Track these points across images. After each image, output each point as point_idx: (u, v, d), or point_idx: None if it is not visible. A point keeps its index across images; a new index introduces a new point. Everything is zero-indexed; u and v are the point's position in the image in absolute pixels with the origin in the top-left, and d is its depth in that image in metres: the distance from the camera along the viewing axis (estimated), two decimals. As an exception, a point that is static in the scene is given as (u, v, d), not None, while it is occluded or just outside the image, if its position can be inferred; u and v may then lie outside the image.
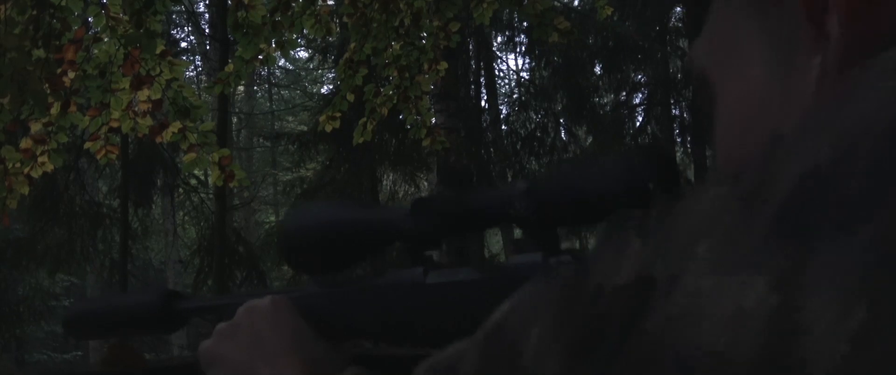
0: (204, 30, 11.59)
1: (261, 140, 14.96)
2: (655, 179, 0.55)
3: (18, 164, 3.58)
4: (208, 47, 11.21)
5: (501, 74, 12.17)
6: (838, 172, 0.27)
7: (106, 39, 3.66)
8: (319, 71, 15.41)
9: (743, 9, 0.42)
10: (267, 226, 12.54)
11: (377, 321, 0.69)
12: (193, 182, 9.21)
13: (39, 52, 3.33)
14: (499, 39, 10.99)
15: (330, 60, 10.66)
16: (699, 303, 0.27)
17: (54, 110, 3.52)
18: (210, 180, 9.50)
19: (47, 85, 3.28)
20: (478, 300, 0.60)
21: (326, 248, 0.71)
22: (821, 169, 0.27)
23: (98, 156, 3.80)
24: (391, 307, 0.68)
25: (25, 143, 3.63)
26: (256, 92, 16.52)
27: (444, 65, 5.34)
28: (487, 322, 0.33)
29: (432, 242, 0.68)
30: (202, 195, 9.60)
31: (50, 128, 3.62)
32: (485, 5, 4.99)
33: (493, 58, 10.73)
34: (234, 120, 13.18)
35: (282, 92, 16.99)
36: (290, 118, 16.18)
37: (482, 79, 10.03)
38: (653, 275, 0.29)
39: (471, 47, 9.59)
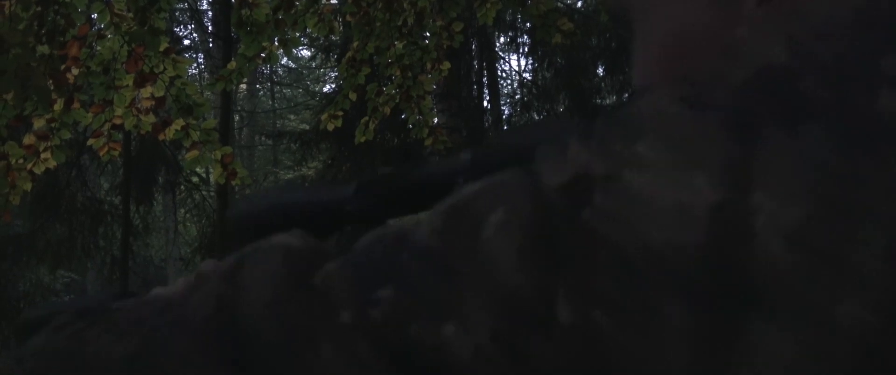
0: (207, 27, 11.59)
1: (263, 138, 14.96)
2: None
3: (21, 160, 3.58)
4: (211, 45, 11.21)
5: (504, 75, 12.17)
6: (791, 71, 0.27)
7: (110, 36, 3.66)
8: (321, 69, 15.42)
9: None
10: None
11: None
12: (195, 179, 9.22)
13: (43, 49, 3.33)
14: (502, 40, 10.99)
15: (332, 59, 10.66)
16: (638, 199, 0.27)
17: (58, 106, 3.52)
18: (211, 178, 9.50)
19: (51, 81, 3.28)
20: None
21: (272, 232, 0.71)
22: (774, 67, 0.27)
23: (101, 153, 3.81)
24: None
25: (28, 139, 3.63)
26: (259, 90, 16.52)
27: (446, 64, 5.34)
28: (450, 200, 0.33)
29: (379, 221, 0.66)
30: (204, 193, 9.60)
31: (53, 125, 3.62)
32: (488, 5, 4.99)
33: (496, 58, 10.73)
34: (236, 118, 13.18)
35: (284, 90, 16.99)
36: (292, 116, 16.18)
37: (485, 80, 10.03)
38: (590, 174, 0.28)
39: (474, 47, 9.59)
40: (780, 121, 0.26)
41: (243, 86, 11.81)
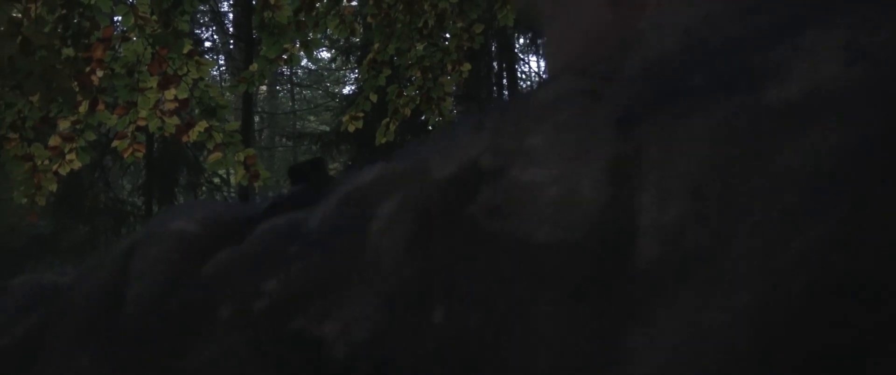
0: (228, 29, 11.66)
1: (283, 139, 15.03)
2: None
3: (47, 161, 3.62)
4: (232, 46, 11.27)
5: (524, 76, 12.15)
6: (682, 63, 0.26)
7: (134, 38, 3.69)
8: (341, 71, 15.47)
9: None
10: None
11: None
12: (216, 180, 9.28)
13: (68, 51, 3.36)
14: (521, 41, 10.98)
15: (352, 61, 10.69)
16: (525, 195, 0.26)
17: (82, 108, 3.55)
18: (232, 179, 9.56)
19: (76, 83, 3.31)
20: None
21: None
22: (665, 59, 0.26)
23: (125, 155, 3.84)
24: None
25: (54, 141, 3.66)
26: (279, 91, 16.60)
27: (467, 66, 5.34)
28: (345, 186, 0.31)
29: None
30: (225, 193, 9.66)
31: (78, 126, 3.66)
32: (508, 7, 4.99)
33: (516, 59, 10.72)
34: (256, 119, 13.24)
35: (304, 92, 17.06)
36: (312, 118, 16.24)
37: (504, 81, 10.02)
38: (478, 166, 0.27)
39: (493, 48, 9.58)
40: (668, 115, 0.25)
41: (263, 87, 11.86)
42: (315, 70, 17.02)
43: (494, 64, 9.82)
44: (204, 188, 9.67)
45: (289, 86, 16.47)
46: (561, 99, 0.27)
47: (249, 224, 0.70)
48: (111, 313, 0.33)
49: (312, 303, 0.29)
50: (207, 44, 12.47)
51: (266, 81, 4.65)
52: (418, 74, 5.19)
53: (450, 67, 5.25)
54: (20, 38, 3.10)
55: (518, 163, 0.26)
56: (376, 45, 5.05)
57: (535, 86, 0.30)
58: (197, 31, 11.33)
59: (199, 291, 0.32)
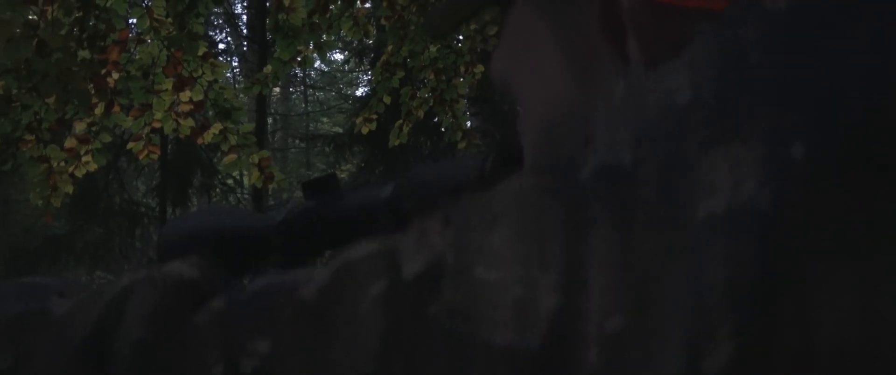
0: (242, 31, 11.70)
1: (296, 141, 15.07)
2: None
3: (62, 163, 3.64)
4: (245, 48, 11.31)
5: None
6: (630, 171, 0.26)
7: (149, 41, 3.70)
8: (354, 73, 15.49)
9: (539, 19, 0.41)
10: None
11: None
12: (230, 182, 9.31)
13: (84, 53, 3.38)
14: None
15: (365, 62, 10.71)
16: (484, 296, 0.27)
17: (98, 110, 3.57)
18: (246, 181, 9.59)
19: (91, 85, 3.32)
20: None
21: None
22: (617, 167, 0.27)
23: (140, 157, 3.85)
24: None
25: (69, 143, 3.68)
26: (292, 93, 16.65)
27: (480, 68, 5.34)
28: (342, 257, 0.32)
29: (303, 257, 0.67)
30: (238, 195, 9.69)
31: (93, 128, 3.67)
32: (523, 9, 4.98)
33: (529, 61, 10.70)
34: (270, 121, 13.28)
35: (317, 93, 17.11)
36: (325, 119, 16.28)
37: None
38: (442, 265, 0.28)
39: (506, 50, 9.58)
40: (616, 224, 0.25)
41: (277, 89, 11.90)
42: (328, 72, 17.06)
43: (507, 66, 9.82)
44: (218, 189, 9.71)
45: (302, 87, 16.52)
46: (522, 196, 0.28)
47: (260, 246, 0.69)
48: (104, 354, 0.33)
49: (300, 370, 0.30)
50: (221, 46, 12.52)
51: (279, 83, 4.66)
52: (432, 76, 5.19)
53: (463, 69, 5.25)
54: (36, 40, 3.12)
55: (480, 263, 0.27)
56: (390, 47, 5.06)
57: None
58: (211, 33, 11.38)
59: (190, 342, 0.32)
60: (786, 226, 0.23)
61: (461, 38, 5.28)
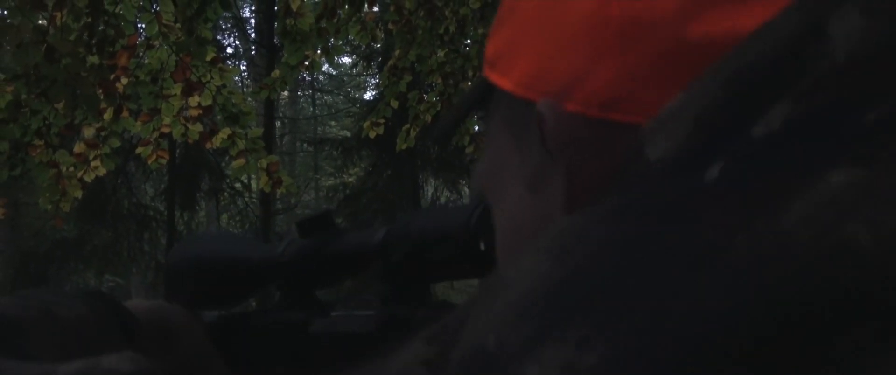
0: (250, 35, 11.73)
1: (304, 145, 15.09)
2: (487, 238, 0.55)
3: (72, 168, 3.65)
4: (254, 53, 11.34)
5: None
6: (483, 366, 0.26)
7: (158, 46, 3.72)
8: (362, 76, 15.51)
9: (503, 130, 0.43)
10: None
11: (260, 359, 0.69)
12: (238, 186, 9.33)
13: (93, 58, 3.39)
14: (542, 46, 10.96)
15: (373, 66, 10.72)
16: None
17: (107, 115, 3.58)
18: (253, 185, 9.61)
19: (100, 90, 3.34)
20: (354, 352, 0.62)
21: (200, 285, 0.72)
22: (474, 358, 0.26)
23: (149, 161, 3.86)
24: (275, 349, 0.68)
25: (79, 147, 3.69)
26: (300, 97, 16.68)
27: (488, 72, 5.34)
28: None
29: (306, 288, 0.68)
30: (246, 199, 9.71)
31: (102, 133, 3.69)
32: (530, 13, 4.98)
33: (537, 65, 10.69)
34: (278, 124, 13.31)
35: (325, 97, 17.14)
36: (333, 123, 16.30)
37: (476, 84, 10.00)
38: None
39: (514, 54, 9.57)
40: None
41: (285, 93, 11.93)
42: (336, 75, 17.09)
43: (515, 69, 9.80)
44: (226, 193, 9.73)
45: (310, 91, 16.55)
46: (411, 368, 0.29)
47: (263, 277, 0.70)
48: None
49: None
50: (229, 50, 12.56)
51: (288, 87, 4.67)
52: (439, 80, 5.19)
53: (471, 73, 5.24)
54: (45, 45, 3.13)
55: None
56: (397, 52, 5.06)
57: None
58: (219, 37, 11.41)
59: None
60: None
61: (469, 42, 5.28)
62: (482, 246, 0.55)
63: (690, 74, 0.33)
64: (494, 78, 0.43)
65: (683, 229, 0.26)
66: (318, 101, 17.03)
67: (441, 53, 5.13)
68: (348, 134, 11.48)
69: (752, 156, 0.28)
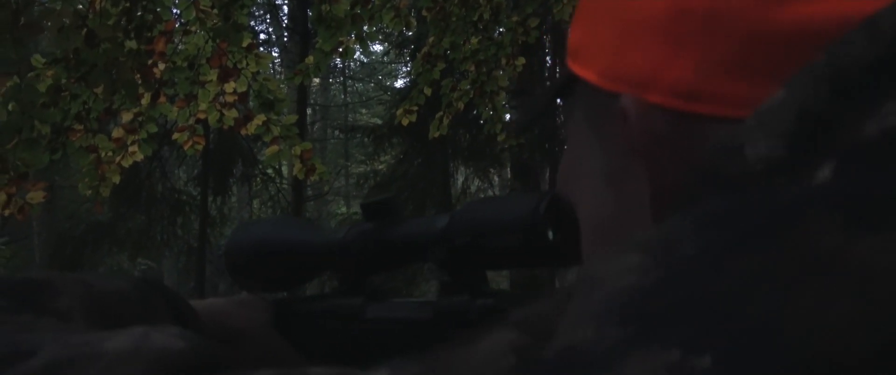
0: (283, 22, 11.78)
1: (336, 132, 15.15)
2: (555, 228, 0.54)
3: (110, 153, 3.69)
4: (286, 39, 11.38)
5: (577, 70, 12.04)
6: (582, 359, 0.25)
7: (195, 32, 3.74)
8: (394, 64, 15.53)
9: (583, 124, 0.43)
10: (338, 217, 12.71)
11: (317, 344, 0.69)
12: (270, 172, 9.39)
13: (131, 44, 3.42)
14: (575, 35, 10.87)
15: (405, 54, 10.72)
16: None
17: (145, 100, 3.62)
18: (285, 171, 9.66)
19: (139, 75, 3.36)
20: (411, 338, 0.62)
21: (262, 268, 0.72)
22: (574, 350, 0.26)
23: (185, 147, 3.89)
24: (330, 334, 0.68)
25: (117, 133, 3.73)
26: (332, 84, 16.74)
27: (521, 60, 5.31)
28: None
29: (366, 272, 0.68)
30: (278, 185, 9.77)
31: (140, 118, 3.72)
32: (564, 1, 4.94)
33: (569, 54, 10.61)
34: (309, 111, 13.37)
35: (356, 85, 17.18)
36: (364, 110, 16.34)
37: (558, 76, 9.94)
38: None
39: (547, 43, 9.51)
40: None
41: (316, 80, 11.98)
42: (367, 63, 17.12)
43: (548, 58, 9.74)
44: (258, 179, 9.80)
45: (341, 78, 16.60)
46: (500, 356, 0.28)
47: (320, 263, 0.69)
48: None
49: None
50: (262, 36, 12.61)
51: (321, 74, 4.69)
52: (472, 68, 5.17)
53: (504, 61, 5.22)
54: (85, 30, 3.16)
55: None
56: (431, 39, 5.05)
57: None
58: (252, 23, 11.46)
59: None
60: None
61: (502, 30, 5.26)
62: (550, 236, 0.54)
63: (779, 63, 0.32)
64: (576, 68, 0.42)
65: (798, 234, 0.25)
66: (349, 89, 17.07)
67: (475, 41, 5.11)
68: (379, 121, 11.50)
69: (865, 156, 0.26)
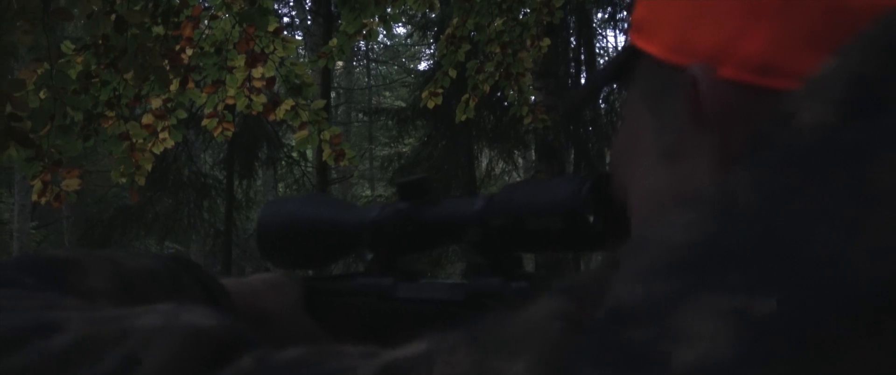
0: (306, 5, 11.78)
1: (360, 115, 15.17)
2: (596, 211, 0.53)
3: (142, 140, 3.71)
4: (310, 22, 11.38)
5: (602, 51, 11.96)
6: (632, 318, 0.25)
7: (221, 17, 3.74)
8: (417, 47, 15.50)
9: (640, 100, 0.43)
10: (363, 200, 12.74)
11: (345, 323, 0.68)
12: (295, 155, 9.42)
13: (159, 29, 3.43)
14: (600, 15, 10.80)
15: (429, 36, 10.69)
16: None
17: (173, 86, 3.63)
18: (309, 154, 9.69)
19: (167, 61, 3.38)
20: (442, 319, 0.60)
21: (293, 245, 0.71)
22: (623, 310, 0.26)
23: (215, 134, 3.90)
24: (360, 314, 0.67)
25: (147, 119, 3.75)
26: (355, 67, 16.74)
27: (546, 41, 5.28)
28: (389, 357, 0.31)
29: (399, 252, 0.67)
30: (303, 168, 9.81)
31: (169, 104, 3.74)
32: (590, -19, 4.90)
33: (594, 34, 10.54)
34: (333, 95, 13.39)
35: (379, 67, 17.17)
36: (387, 93, 16.34)
37: (582, 56, 9.87)
38: None
39: (572, 24, 9.44)
40: (610, 369, 0.24)
41: (340, 63, 11.98)
42: (391, 46, 17.10)
43: (572, 39, 9.67)
44: (283, 163, 9.84)
45: (365, 61, 16.59)
46: (547, 322, 0.28)
47: (351, 241, 0.69)
48: None
49: None
50: (286, 20, 12.62)
51: (345, 56, 4.69)
52: (497, 50, 5.14)
53: (529, 43, 5.19)
54: (114, 16, 3.18)
55: None
56: (455, 20, 5.02)
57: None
58: (275, 6, 11.46)
59: None
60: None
61: (526, 10, 5.22)
62: (591, 219, 0.54)
63: (850, 38, 0.32)
64: (640, 42, 0.42)
65: (859, 172, 0.25)
66: (372, 72, 17.07)
67: (499, 22, 5.08)
68: (403, 104, 11.49)
69: None
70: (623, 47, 0.45)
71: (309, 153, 9.61)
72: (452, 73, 5.06)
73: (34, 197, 3.23)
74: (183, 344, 0.33)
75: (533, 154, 9.43)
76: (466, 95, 5.12)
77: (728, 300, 0.23)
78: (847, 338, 0.22)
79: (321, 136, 3.83)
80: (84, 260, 0.49)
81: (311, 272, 0.93)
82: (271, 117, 3.87)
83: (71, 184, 3.21)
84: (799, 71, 0.33)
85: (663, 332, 0.24)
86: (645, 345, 0.24)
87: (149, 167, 3.75)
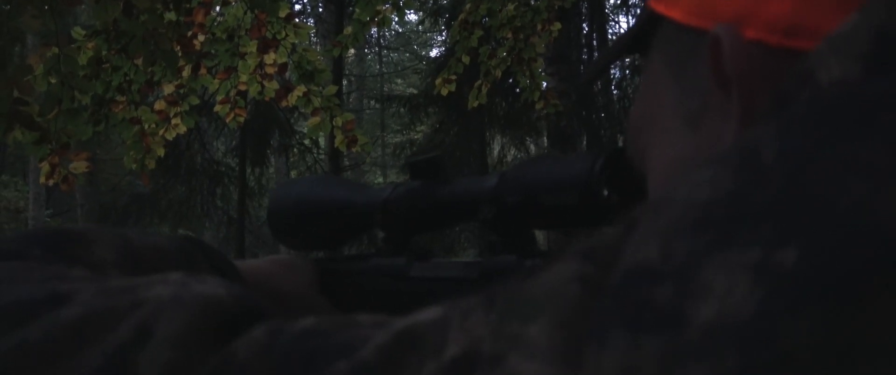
0: (317, -8, 11.75)
1: (372, 102, 15.16)
2: (610, 185, 0.53)
3: (154, 126, 3.71)
4: (321, 9, 11.37)
5: (614, 36, 11.89)
6: (655, 274, 0.25)
7: (233, 3, 3.73)
8: (429, 34, 15.46)
9: (661, 66, 0.42)
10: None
11: (359, 304, 0.68)
12: (307, 142, 9.43)
13: (170, 15, 3.42)
14: (612, 1, 10.73)
15: (440, 23, 10.66)
16: None
17: (185, 73, 3.63)
18: (322, 141, 9.70)
19: (178, 47, 3.37)
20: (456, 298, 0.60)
21: (305, 226, 0.71)
22: (644, 267, 0.25)
23: (227, 120, 3.90)
24: (374, 294, 0.67)
25: (159, 105, 3.75)
26: (367, 54, 16.72)
27: (557, 25, 5.25)
28: (407, 321, 0.31)
29: (411, 231, 0.67)
30: (315, 155, 9.82)
31: (181, 90, 3.74)
32: (603, -35, 4.87)
33: (606, 19, 10.47)
34: (345, 82, 13.40)
35: (391, 54, 17.15)
36: (399, 80, 16.32)
37: (594, 42, 9.81)
38: (479, 352, 0.27)
39: (584, 9, 9.38)
40: (631, 327, 0.24)
41: (352, 50, 11.96)
42: (402, 32, 17.07)
43: (584, 24, 9.61)
44: (295, 150, 9.85)
45: (376, 48, 16.57)
46: (564, 285, 0.27)
47: (362, 221, 0.68)
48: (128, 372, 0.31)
49: None
50: (297, 7, 12.60)
51: (358, 44, 4.68)
52: (509, 35, 5.12)
53: (540, 27, 5.16)
54: (123, 1, 3.17)
55: (517, 353, 0.26)
56: (468, 6, 5.00)
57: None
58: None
59: (230, 372, 0.30)
60: (774, 333, 0.22)
61: (539, -6, 5.19)
62: (605, 193, 0.53)
63: None
64: (661, 7, 0.42)
65: (883, 124, 0.25)
66: (384, 59, 17.05)
67: (511, 7, 5.06)
68: (415, 91, 11.47)
69: None
70: (640, 14, 0.44)
71: (321, 140, 9.62)
72: (466, 60, 5.05)
73: (42, 180, 3.23)
74: (195, 315, 0.32)
75: (545, 140, 9.40)
76: (479, 81, 5.10)
77: (750, 254, 0.23)
78: (873, 289, 0.21)
79: (334, 123, 3.82)
80: (93, 233, 0.49)
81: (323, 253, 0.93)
82: (284, 103, 3.87)
83: (79, 166, 3.20)
84: (825, 31, 0.33)
85: (684, 289, 0.23)
86: (665, 303, 0.24)
87: (160, 152, 3.76)
